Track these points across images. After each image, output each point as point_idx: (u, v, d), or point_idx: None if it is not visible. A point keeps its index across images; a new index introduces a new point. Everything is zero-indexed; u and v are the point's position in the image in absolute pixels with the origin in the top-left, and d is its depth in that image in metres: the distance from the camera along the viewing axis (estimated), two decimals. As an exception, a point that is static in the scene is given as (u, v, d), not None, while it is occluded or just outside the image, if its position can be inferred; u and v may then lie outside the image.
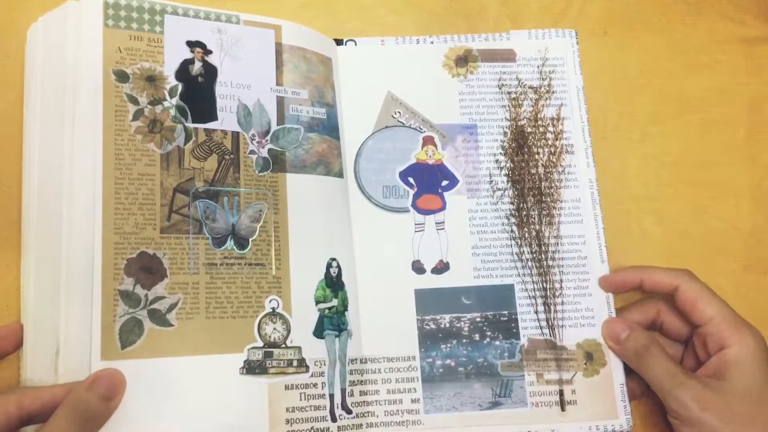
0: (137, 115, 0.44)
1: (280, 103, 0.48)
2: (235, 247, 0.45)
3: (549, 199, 0.51)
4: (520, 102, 0.53)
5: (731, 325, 0.45)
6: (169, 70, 0.46)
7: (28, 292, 0.43)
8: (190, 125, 0.45)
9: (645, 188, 0.52)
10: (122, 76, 0.44)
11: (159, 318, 0.42)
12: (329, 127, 0.50)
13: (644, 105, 0.54)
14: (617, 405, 0.47)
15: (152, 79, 0.45)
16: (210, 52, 0.47)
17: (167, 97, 0.45)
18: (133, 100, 0.44)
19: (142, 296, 0.42)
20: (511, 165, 0.52)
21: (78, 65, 0.43)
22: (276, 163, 0.47)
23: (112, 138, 0.43)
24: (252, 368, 0.43)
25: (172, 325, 0.42)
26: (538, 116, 0.52)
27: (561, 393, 0.47)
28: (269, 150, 0.47)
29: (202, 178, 0.45)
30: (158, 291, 0.42)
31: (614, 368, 0.48)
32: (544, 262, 0.50)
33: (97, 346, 0.40)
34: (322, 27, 0.52)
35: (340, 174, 0.50)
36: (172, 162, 0.44)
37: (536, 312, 0.49)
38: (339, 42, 0.53)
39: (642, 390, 0.47)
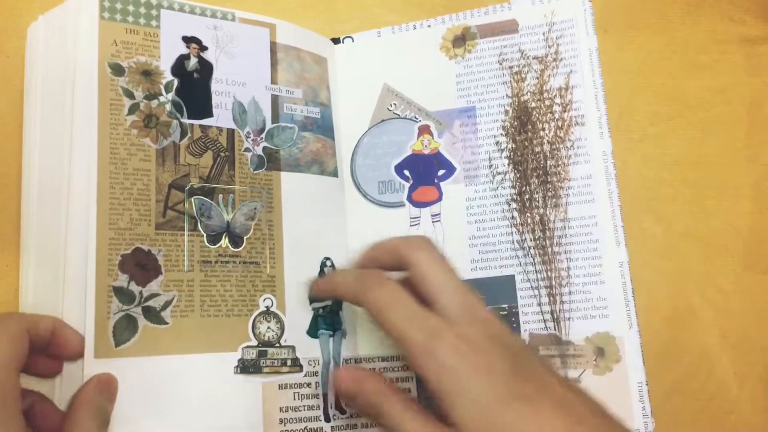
0: (133, 110, 0.44)
1: (275, 101, 0.49)
2: (229, 245, 0.45)
3: (555, 179, 0.49)
4: (523, 75, 0.51)
5: (403, 346, 0.38)
6: (165, 65, 0.46)
7: (27, 291, 0.43)
8: (186, 121, 0.46)
9: (645, 188, 0.53)
10: (118, 70, 0.45)
11: (153, 315, 0.42)
12: (323, 127, 0.51)
13: (644, 105, 0.54)
14: (633, 406, 0.45)
15: (148, 74, 0.45)
16: (205, 48, 0.48)
17: (163, 92, 0.46)
18: (129, 94, 0.44)
19: (136, 293, 0.42)
20: (513, 145, 0.50)
21: (76, 59, 0.44)
22: (271, 161, 0.48)
23: (107, 132, 0.43)
24: (246, 367, 0.44)
25: (166, 323, 0.42)
26: (544, 88, 0.51)
27: (567, 393, 0.47)
28: (264, 148, 0.48)
29: (197, 174, 0.45)
30: (153, 288, 0.43)
31: (631, 364, 0.46)
32: (549, 249, 0.48)
33: (90, 344, 0.40)
34: (320, 26, 0.53)
35: (334, 173, 0.51)
36: (168, 158, 0.45)
37: (539, 304, 0.48)
38: (337, 41, 0.53)
39: None
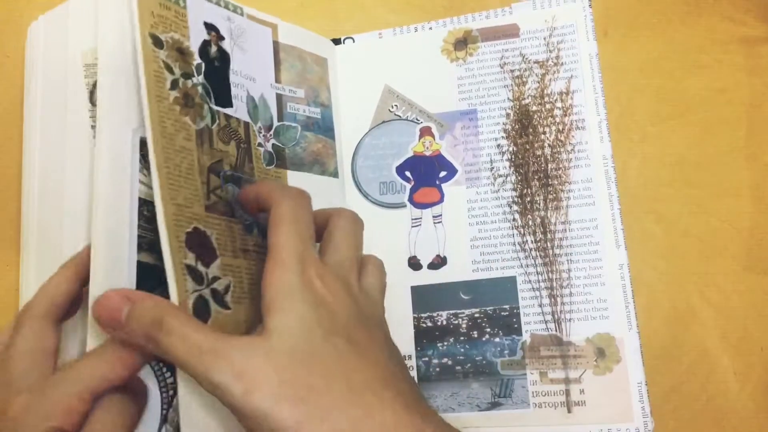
0: (174, 85, 0.42)
1: (279, 100, 0.49)
2: (259, 236, 0.44)
3: (556, 182, 0.50)
4: (524, 79, 0.52)
5: (271, 257, 0.37)
6: (194, 46, 0.44)
7: (28, 291, 0.42)
8: (214, 107, 0.44)
9: (645, 188, 0.53)
10: (158, 42, 0.42)
11: (219, 299, 0.40)
12: (324, 127, 0.51)
13: (644, 105, 0.55)
14: (633, 406, 0.46)
15: (182, 52, 0.43)
16: (222, 38, 0.47)
17: (194, 74, 0.44)
18: (169, 69, 0.42)
19: (203, 273, 0.39)
20: (514, 148, 0.51)
21: (123, 29, 0.41)
22: (279, 158, 0.48)
23: (156, 105, 0.40)
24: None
25: (229, 309, 0.40)
26: (545, 92, 0.51)
27: (567, 393, 0.47)
28: (273, 145, 0.48)
29: (228, 162, 0.44)
30: (214, 270, 0.40)
31: (631, 365, 0.47)
32: (550, 251, 0.49)
33: None
34: (320, 26, 0.53)
35: (335, 174, 0.51)
36: (205, 140, 0.43)
37: (540, 305, 0.48)
38: (337, 42, 0.54)
39: None
